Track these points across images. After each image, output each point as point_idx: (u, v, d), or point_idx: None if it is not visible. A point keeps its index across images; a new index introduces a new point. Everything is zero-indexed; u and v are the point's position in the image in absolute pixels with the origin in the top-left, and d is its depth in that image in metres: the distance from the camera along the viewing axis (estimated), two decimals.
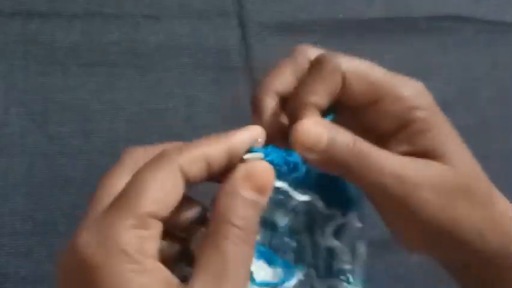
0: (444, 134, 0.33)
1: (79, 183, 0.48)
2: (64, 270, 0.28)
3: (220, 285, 0.27)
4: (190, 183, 0.29)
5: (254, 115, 0.35)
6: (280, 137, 0.33)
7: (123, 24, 0.54)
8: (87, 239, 0.27)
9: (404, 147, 0.33)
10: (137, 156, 0.30)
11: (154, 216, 0.27)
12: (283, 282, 0.32)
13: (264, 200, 0.29)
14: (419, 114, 0.33)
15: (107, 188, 0.29)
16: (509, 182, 0.58)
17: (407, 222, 0.33)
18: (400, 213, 0.32)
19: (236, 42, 0.56)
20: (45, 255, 0.46)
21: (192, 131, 0.52)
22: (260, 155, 0.30)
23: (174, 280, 0.27)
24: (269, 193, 0.29)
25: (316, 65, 0.33)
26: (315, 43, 0.35)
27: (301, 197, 0.33)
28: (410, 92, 0.33)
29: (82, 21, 0.53)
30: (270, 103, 0.34)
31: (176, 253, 0.31)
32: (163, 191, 0.28)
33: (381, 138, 0.33)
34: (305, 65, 0.35)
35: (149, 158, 0.29)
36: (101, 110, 0.51)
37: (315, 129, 0.31)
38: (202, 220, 0.31)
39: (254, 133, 0.31)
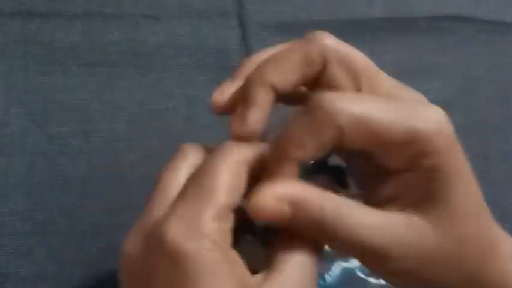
0: (451, 186, 0.28)
1: (79, 183, 0.48)
2: (144, 260, 0.27)
3: None
4: None
5: (241, 108, 0.30)
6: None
7: (123, 24, 0.54)
8: (176, 228, 0.26)
9: (402, 190, 0.29)
10: (198, 153, 0.31)
11: (231, 209, 0.28)
12: None
13: None
14: (428, 161, 0.27)
15: (173, 181, 0.29)
16: (509, 182, 0.58)
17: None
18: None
19: (236, 42, 0.56)
20: (45, 255, 0.46)
21: (192, 131, 0.52)
22: None
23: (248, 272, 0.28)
24: None
25: (308, 111, 0.27)
26: None
27: None
28: (423, 132, 0.27)
29: (82, 21, 0.53)
30: (263, 96, 0.29)
31: None
32: (235, 183, 0.28)
33: (386, 172, 0.29)
34: (317, 59, 0.29)
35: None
36: (101, 110, 0.51)
37: (273, 205, 0.27)
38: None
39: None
